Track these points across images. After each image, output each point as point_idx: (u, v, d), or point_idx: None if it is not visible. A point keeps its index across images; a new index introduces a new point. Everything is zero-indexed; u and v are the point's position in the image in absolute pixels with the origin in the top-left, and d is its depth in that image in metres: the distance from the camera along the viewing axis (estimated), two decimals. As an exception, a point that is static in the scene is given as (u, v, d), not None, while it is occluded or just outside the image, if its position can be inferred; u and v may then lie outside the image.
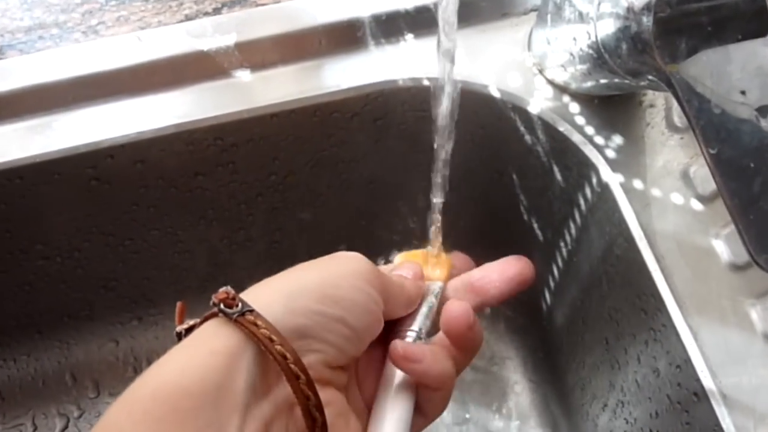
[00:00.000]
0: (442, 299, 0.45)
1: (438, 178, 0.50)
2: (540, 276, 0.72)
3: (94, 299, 0.74)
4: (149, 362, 0.78)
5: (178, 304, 0.38)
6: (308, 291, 0.37)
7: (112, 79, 0.59)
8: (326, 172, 0.67)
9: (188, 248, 0.71)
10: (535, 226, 0.68)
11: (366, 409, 0.42)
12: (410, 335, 0.43)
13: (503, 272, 0.46)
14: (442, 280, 0.47)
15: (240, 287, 0.37)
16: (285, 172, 0.66)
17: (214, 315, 0.35)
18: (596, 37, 0.50)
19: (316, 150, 0.65)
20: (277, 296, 0.36)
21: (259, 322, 0.34)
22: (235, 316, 0.34)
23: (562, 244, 0.66)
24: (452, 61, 0.46)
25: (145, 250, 0.70)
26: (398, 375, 0.42)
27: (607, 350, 0.62)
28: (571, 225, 0.63)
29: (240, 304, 0.34)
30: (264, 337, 0.33)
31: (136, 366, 0.79)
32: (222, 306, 0.34)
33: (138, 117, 0.59)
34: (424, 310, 0.44)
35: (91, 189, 0.62)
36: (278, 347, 0.34)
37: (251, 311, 0.34)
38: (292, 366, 0.34)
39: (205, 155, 0.62)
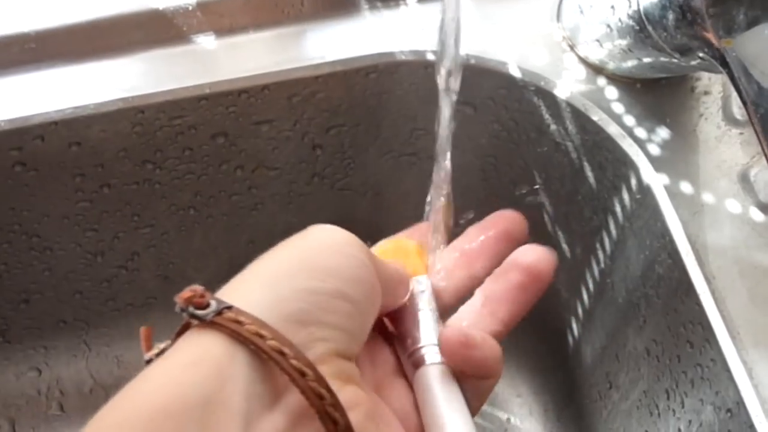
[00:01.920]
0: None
1: (439, 174, 0.51)
2: (566, 303, 0.73)
3: (12, 316, 0.75)
4: (81, 397, 0.80)
5: (142, 329, 0.38)
6: (294, 269, 0.38)
7: (45, 41, 0.60)
8: (306, 163, 0.69)
9: (132, 255, 0.72)
10: (562, 238, 0.70)
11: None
12: (429, 351, 0.44)
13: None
14: (423, 272, 0.49)
15: None
16: (254, 163, 0.67)
17: (187, 326, 0.35)
18: (638, 4, 0.51)
19: (294, 136, 0.66)
20: (258, 284, 0.37)
21: (241, 318, 0.34)
22: (209, 317, 0.34)
23: (593, 261, 0.67)
24: (457, 31, 0.47)
25: (77, 256, 0.71)
26: (437, 374, 0.43)
27: (645, 393, 0.63)
28: (605, 237, 0.64)
29: (213, 302, 0.34)
30: (251, 335, 0.33)
31: (63, 402, 0.80)
32: (191, 309, 0.34)
33: (75, 88, 0.60)
34: (427, 316, 0.46)
35: (14, 176, 0.63)
36: (271, 343, 0.33)
37: (229, 308, 0.34)
38: (294, 362, 0.34)
39: (156, 139, 0.63)
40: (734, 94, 0.59)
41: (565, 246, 0.70)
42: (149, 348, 0.37)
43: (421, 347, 0.45)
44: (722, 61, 0.45)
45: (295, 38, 0.62)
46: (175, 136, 0.63)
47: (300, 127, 0.66)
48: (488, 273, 0.48)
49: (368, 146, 0.69)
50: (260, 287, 0.37)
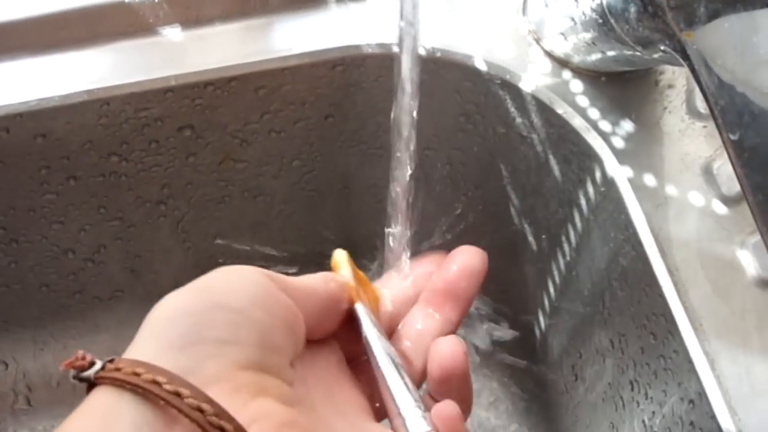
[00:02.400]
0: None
1: (401, 171, 0.51)
2: (532, 295, 0.74)
3: (-23, 310, 0.75)
4: (48, 390, 0.79)
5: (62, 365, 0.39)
6: (172, 301, 0.38)
7: (10, 32, 0.60)
8: (273, 156, 0.69)
9: (98, 248, 0.72)
10: (528, 231, 0.70)
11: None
12: (411, 421, 0.43)
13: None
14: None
15: (162, 298, 0.38)
16: (221, 155, 0.67)
17: (90, 389, 0.36)
18: (601, -3, 0.52)
19: (261, 129, 0.66)
20: (144, 331, 0.37)
21: (120, 365, 0.35)
22: (93, 375, 0.35)
23: (559, 253, 0.67)
24: (413, 24, 0.48)
25: (44, 249, 0.71)
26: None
27: (611, 385, 0.64)
28: (570, 230, 0.65)
29: (98, 361, 0.36)
30: (128, 375, 0.34)
31: (30, 396, 0.80)
32: (77, 373, 0.35)
33: (40, 80, 0.60)
34: (392, 372, 0.44)
35: (-22, 168, 0.63)
36: (146, 376, 0.34)
37: (111, 360, 0.35)
38: (167, 386, 0.34)
39: (122, 131, 0.63)
40: (698, 88, 0.59)
41: (531, 238, 0.70)
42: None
43: (403, 417, 0.43)
44: (683, 54, 0.46)
45: (262, 30, 0.62)
46: (141, 128, 0.63)
47: (267, 119, 0.66)
48: (459, 313, 0.48)
49: (335, 139, 0.69)
50: (144, 329, 0.37)
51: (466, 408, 0.45)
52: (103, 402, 0.35)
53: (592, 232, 0.62)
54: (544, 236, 0.69)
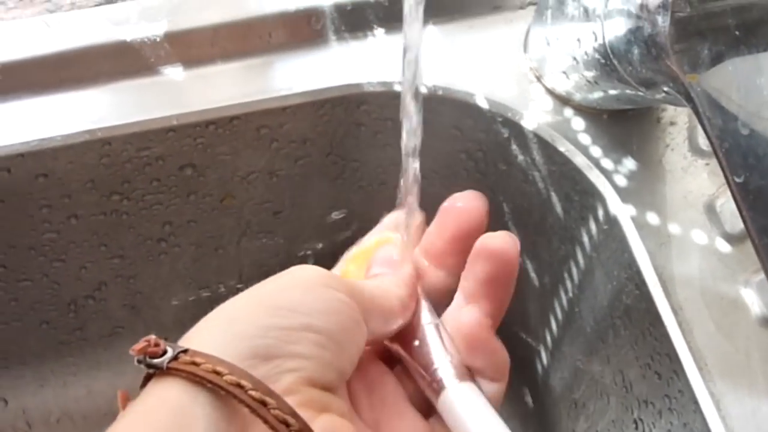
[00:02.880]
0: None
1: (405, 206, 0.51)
2: (534, 332, 0.73)
3: (-23, 347, 0.74)
4: (48, 427, 0.79)
5: (119, 392, 0.37)
6: (256, 309, 0.38)
7: (12, 72, 0.60)
8: (275, 195, 0.69)
9: (99, 285, 0.72)
10: (530, 268, 0.70)
11: None
12: (445, 374, 0.44)
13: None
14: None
15: (163, 335, 0.37)
16: (222, 193, 0.67)
17: (150, 376, 0.35)
18: (604, 38, 0.52)
19: (263, 167, 0.66)
20: (218, 326, 0.37)
21: (197, 359, 0.34)
22: (166, 363, 0.34)
23: (561, 291, 0.67)
24: (416, 63, 0.48)
25: (44, 287, 0.70)
26: (462, 397, 0.44)
27: (614, 422, 0.63)
28: (573, 267, 0.64)
29: (169, 349, 0.35)
30: (208, 373, 0.33)
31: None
32: (147, 359, 0.34)
33: (42, 120, 0.60)
34: (431, 331, 0.46)
35: (-21, 208, 0.62)
36: (228, 378, 0.33)
37: (185, 351, 0.34)
38: (252, 393, 0.34)
39: (123, 170, 0.63)
40: (702, 130, 0.59)
41: (533, 275, 0.70)
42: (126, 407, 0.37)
43: (436, 369, 0.45)
44: (687, 96, 0.45)
45: (263, 69, 0.62)
46: (142, 167, 0.63)
47: (268, 158, 0.66)
48: (462, 263, 0.48)
49: (337, 177, 0.69)
50: (220, 328, 0.37)
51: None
52: (174, 397, 0.34)
53: (594, 269, 0.62)
54: (546, 273, 0.69)
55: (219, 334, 0.36)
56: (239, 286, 0.75)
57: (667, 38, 0.45)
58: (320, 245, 0.74)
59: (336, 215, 0.72)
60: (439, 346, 0.46)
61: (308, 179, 0.68)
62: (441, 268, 0.49)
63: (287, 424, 0.34)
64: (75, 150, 0.60)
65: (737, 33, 0.45)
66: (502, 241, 0.46)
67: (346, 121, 0.64)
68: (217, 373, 0.33)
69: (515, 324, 0.76)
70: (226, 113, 0.61)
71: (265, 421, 0.33)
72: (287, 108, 0.62)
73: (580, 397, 0.69)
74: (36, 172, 0.61)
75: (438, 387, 0.44)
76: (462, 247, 0.48)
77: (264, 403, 0.34)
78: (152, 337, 0.35)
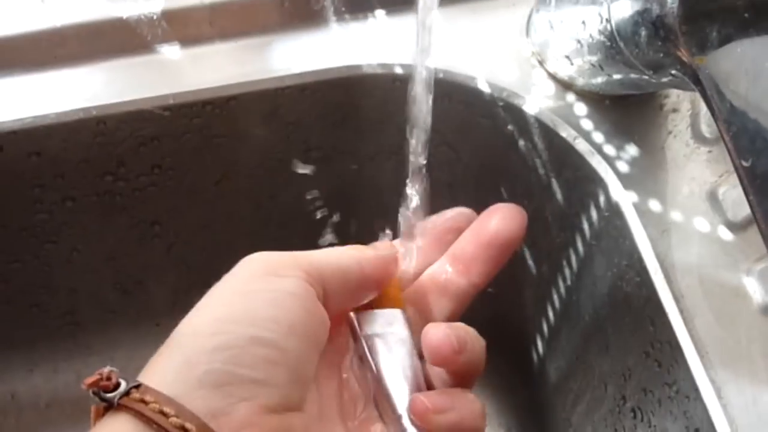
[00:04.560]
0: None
1: (411, 190, 0.51)
2: (531, 320, 0.73)
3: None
4: (37, 412, 0.78)
5: (93, 407, 0.37)
6: (199, 326, 0.37)
7: (6, 48, 0.59)
8: (271, 177, 0.68)
9: (91, 268, 0.71)
10: (528, 255, 0.69)
11: None
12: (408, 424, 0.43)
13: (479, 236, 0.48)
14: (398, 305, 0.48)
15: (155, 320, 0.37)
16: (218, 175, 0.67)
17: (107, 409, 0.35)
18: (610, 20, 0.51)
19: (259, 149, 0.66)
20: (171, 355, 0.37)
21: (146, 397, 0.34)
22: (116, 399, 0.34)
23: (560, 279, 0.67)
24: (428, 45, 0.47)
25: (35, 269, 0.70)
26: None
27: (611, 412, 0.63)
28: (572, 255, 0.64)
29: (123, 383, 0.35)
30: (155, 414, 0.33)
31: (19, 417, 0.79)
32: (100, 392, 0.35)
33: (36, 97, 0.59)
34: (396, 371, 0.45)
35: (-29, 186, 0.62)
36: (173, 420, 0.33)
37: (137, 386, 0.35)
38: None
39: (118, 150, 0.62)
40: (703, 112, 0.59)
41: (530, 263, 0.70)
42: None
43: (400, 417, 0.44)
44: (695, 79, 0.45)
45: (260, 49, 0.62)
46: (137, 147, 0.62)
47: (264, 140, 0.65)
48: (485, 277, 0.48)
49: (334, 160, 0.68)
50: (173, 357, 0.37)
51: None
52: None
53: (594, 257, 0.61)
54: (544, 260, 0.68)
55: (171, 364, 0.36)
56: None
57: (676, 19, 0.45)
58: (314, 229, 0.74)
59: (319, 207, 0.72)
60: (403, 386, 0.45)
61: (305, 162, 0.67)
62: (464, 275, 0.48)
63: None
64: (69, 128, 0.60)
65: (746, 15, 0.44)
66: (508, 215, 0.47)
67: (345, 103, 0.63)
68: (164, 413, 0.33)
69: (510, 313, 0.75)
70: (223, 93, 0.61)
71: None
72: (285, 89, 0.61)
73: (577, 386, 0.68)
74: (28, 150, 0.60)
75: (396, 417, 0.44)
76: (494, 255, 0.48)
77: None
78: (105, 369, 0.35)
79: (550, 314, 0.70)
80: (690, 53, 0.45)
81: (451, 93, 0.62)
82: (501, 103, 0.61)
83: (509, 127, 0.62)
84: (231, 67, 0.61)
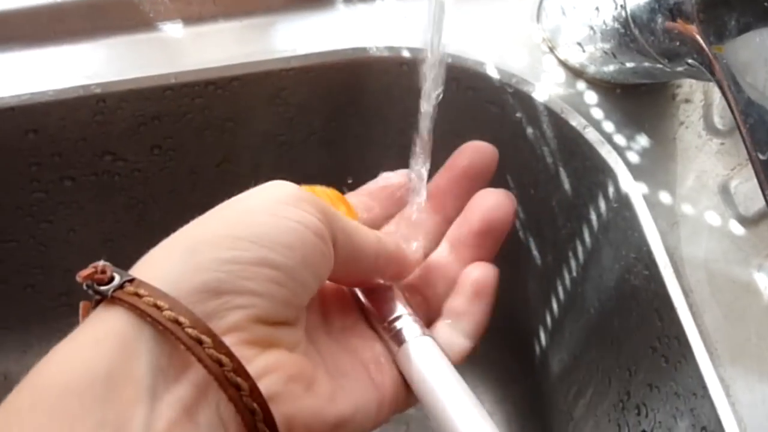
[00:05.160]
0: None
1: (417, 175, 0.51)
2: (534, 312, 0.72)
3: (-41, 310, 0.73)
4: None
5: (82, 304, 0.37)
6: (215, 237, 0.37)
7: (4, 23, 0.58)
8: (273, 160, 0.67)
9: (87, 249, 0.70)
10: (533, 245, 0.69)
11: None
12: (406, 325, 0.45)
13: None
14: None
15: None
16: (220, 156, 0.66)
17: (98, 302, 0.35)
18: (625, 6, 0.50)
19: (261, 131, 0.65)
20: (175, 254, 0.37)
21: (140, 291, 0.34)
22: (110, 292, 0.34)
23: (565, 270, 0.66)
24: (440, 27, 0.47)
25: (31, 249, 0.69)
26: (422, 350, 0.44)
27: (615, 407, 0.62)
28: (578, 246, 0.63)
29: (117, 277, 0.35)
30: (148, 306, 0.33)
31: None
32: (94, 285, 0.35)
33: (34, 73, 0.58)
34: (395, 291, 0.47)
35: (-34, 163, 0.61)
36: (167, 313, 0.33)
37: (131, 281, 0.34)
38: (189, 330, 0.34)
39: (117, 129, 0.61)
40: (716, 103, 0.58)
41: (535, 253, 0.69)
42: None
43: (396, 319, 0.45)
44: (711, 69, 0.44)
45: (265, 29, 0.61)
46: (137, 126, 0.61)
47: (268, 122, 0.64)
48: (459, 211, 0.50)
49: (338, 143, 0.67)
50: (178, 256, 0.37)
51: None
52: (119, 329, 0.33)
53: (602, 249, 0.60)
54: (549, 251, 0.68)
55: (173, 264, 0.36)
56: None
57: (694, 6, 0.44)
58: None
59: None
60: (401, 300, 0.46)
61: (308, 145, 0.67)
62: (439, 212, 0.51)
63: (221, 364, 0.34)
64: (68, 106, 0.59)
65: (766, 3, 0.44)
66: (496, 202, 0.49)
67: (350, 86, 0.63)
68: (158, 307, 0.33)
69: (514, 303, 0.75)
70: (226, 73, 0.60)
71: (199, 360, 0.34)
72: (290, 70, 0.61)
73: (580, 380, 0.68)
74: (26, 127, 0.60)
75: (397, 339, 0.45)
76: (466, 187, 0.50)
77: (199, 342, 0.34)
78: (100, 263, 0.36)
79: (555, 305, 0.69)
80: (707, 42, 0.44)
81: (459, 78, 0.61)
82: (510, 90, 0.61)
83: (518, 114, 0.61)
84: (234, 46, 0.60)
